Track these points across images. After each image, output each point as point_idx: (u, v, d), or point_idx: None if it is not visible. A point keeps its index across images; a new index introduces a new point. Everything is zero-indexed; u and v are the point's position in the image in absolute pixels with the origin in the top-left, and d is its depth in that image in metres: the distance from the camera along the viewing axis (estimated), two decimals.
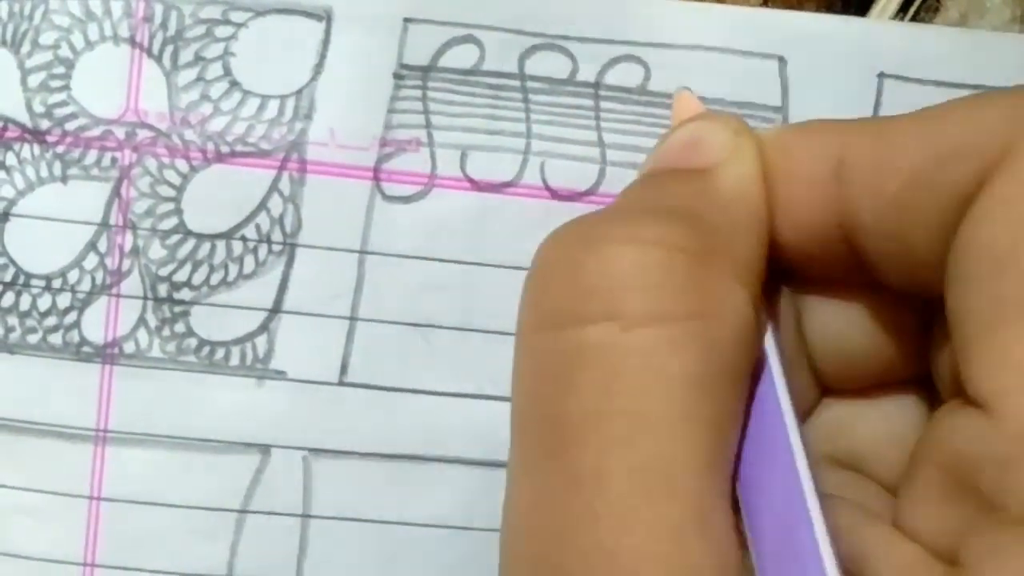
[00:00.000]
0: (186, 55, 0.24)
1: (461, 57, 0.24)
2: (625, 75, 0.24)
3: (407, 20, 0.24)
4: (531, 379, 0.16)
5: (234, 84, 0.24)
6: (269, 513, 0.25)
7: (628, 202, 0.17)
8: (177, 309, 0.24)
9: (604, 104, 0.24)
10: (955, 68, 0.24)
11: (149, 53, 0.24)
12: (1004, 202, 0.14)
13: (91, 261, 0.24)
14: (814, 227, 0.17)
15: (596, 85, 0.24)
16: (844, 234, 0.17)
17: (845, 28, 0.24)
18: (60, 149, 0.24)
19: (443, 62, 0.24)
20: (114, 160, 0.24)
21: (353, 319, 0.24)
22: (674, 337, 0.15)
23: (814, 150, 0.17)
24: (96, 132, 0.24)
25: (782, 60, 0.24)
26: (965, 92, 0.24)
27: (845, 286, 0.18)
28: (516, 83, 0.24)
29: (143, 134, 0.24)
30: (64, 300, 0.24)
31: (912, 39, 0.24)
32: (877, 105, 0.24)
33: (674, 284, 0.15)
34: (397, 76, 0.24)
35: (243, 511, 0.25)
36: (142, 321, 0.24)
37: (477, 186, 0.24)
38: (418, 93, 0.24)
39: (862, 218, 0.16)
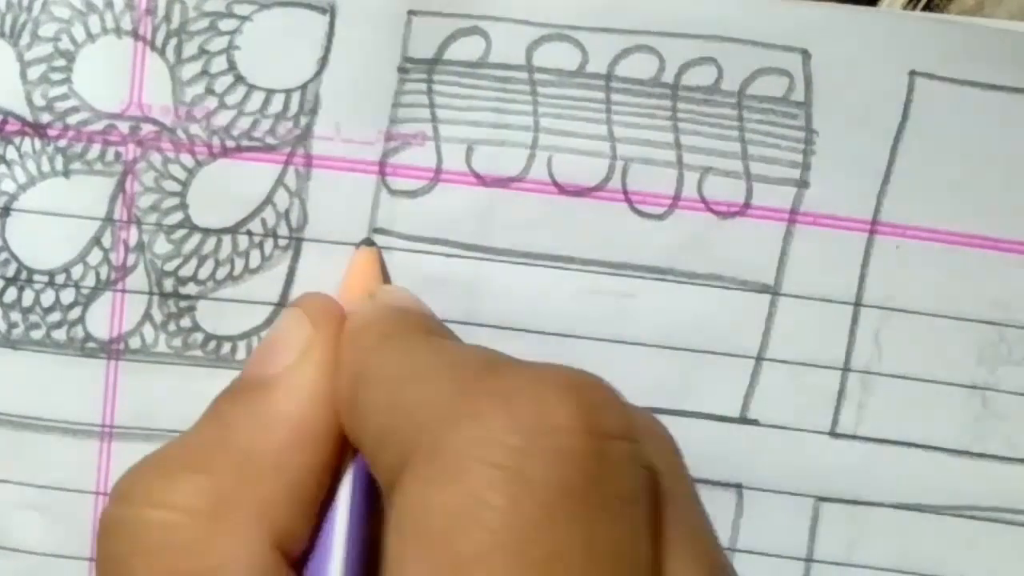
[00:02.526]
0: (190, 48, 0.23)
1: (467, 49, 0.24)
2: (638, 66, 0.24)
3: (411, 12, 0.23)
4: None
5: (239, 78, 0.23)
6: None
7: (185, 443, 0.18)
8: (183, 304, 0.24)
9: (615, 96, 0.24)
10: (994, 69, 0.24)
11: (152, 46, 0.23)
12: (398, 511, 0.14)
13: (95, 256, 0.24)
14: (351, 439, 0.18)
15: (607, 77, 0.24)
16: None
17: (874, 21, 0.24)
18: (62, 143, 0.23)
19: (448, 55, 0.24)
20: (118, 155, 0.24)
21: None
22: None
23: (346, 365, 0.18)
24: (99, 126, 0.23)
25: (806, 53, 0.24)
26: (1003, 95, 0.24)
27: None
28: (523, 75, 0.24)
29: (147, 128, 0.24)
30: (68, 295, 0.24)
31: (948, 35, 0.24)
32: (908, 104, 0.24)
33: (182, 547, 0.16)
34: (402, 70, 0.24)
35: None
36: (147, 316, 0.24)
37: (483, 181, 0.24)
38: (423, 87, 0.24)
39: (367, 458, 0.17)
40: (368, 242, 0.24)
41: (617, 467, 0.14)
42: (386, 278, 0.24)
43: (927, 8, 0.25)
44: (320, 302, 0.20)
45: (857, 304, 0.25)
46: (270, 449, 0.17)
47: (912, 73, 0.24)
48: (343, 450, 0.18)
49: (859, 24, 0.24)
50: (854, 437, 0.25)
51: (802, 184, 0.24)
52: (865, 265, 0.24)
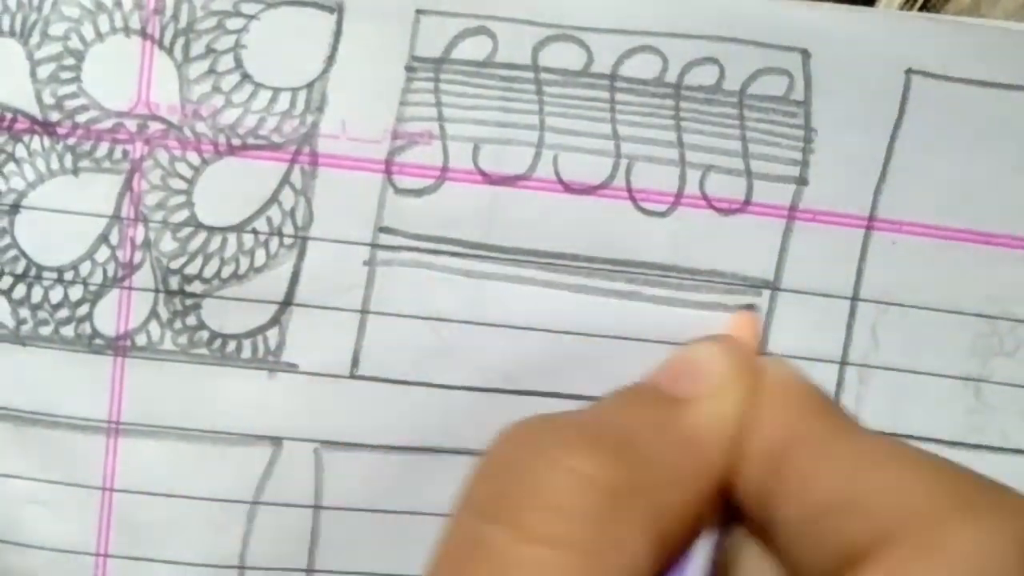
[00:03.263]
0: (197, 47, 0.23)
1: (474, 49, 0.24)
2: (642, 66, 0.24)
3: (419, 11, 0.24)
4: (440, 548, 0.17)
5: (245, 76, 0.24)
6: (281, 505, 0.25)
7: (592, 415, 0.18)
8: (188, 302, 0.24)
9: (620, 96, 0.24)
10: (988, 66, 0.24)
11: (160, 45, 0.23)
12: None
13: (103, 254, 0.24)
14: (753, 493, 0.18)
15: (612, 77, 0.24)
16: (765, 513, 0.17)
17: (872, 21, 0.24)
18: (71, 141, 0.24)
19: (455, 54, 0.24)
20: (125, 153, 0.24)
21: (364, 312, 0.24)
22: (558, 564, 0.15)
23: (774, 425, 0.18)
24: (107, 124, 0.24)
25: (806, 53, 0.24)
26: (998, 92, 0.24)
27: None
28: (529, 75, 0.24)
29: (155, 127, 0.24)
30: (76, 292, 0.24)
31: (943, 34, 0.24)
32: (904, 102, 0.24)
33: (582, 515, 0.16)
34: (409, 68, 0.24)
35: (255, 502, 0.25)
36: (154, 314, 0.24)
37: (489, 179, 0.24)
38: (430, 85, 0.24)
39: (775, 516, 0.17)
40: (749, 306, 0.24)
41: None
42: (761, 346, 0.24)
43: (924, 8, 0.26)
44: (744, 350, 0.20)
45: (854, 298, 0.25)
46: (672, 465, 0.17)
47: (908, 71, 0.24)
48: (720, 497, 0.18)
49: (857, 24, 0.24)
50: None
51: (801, 181, 0.25)
52: (862, 260, 0.25)
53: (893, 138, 0.24)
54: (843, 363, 0.25)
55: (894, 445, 0.17)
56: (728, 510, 0.18)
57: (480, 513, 0.16)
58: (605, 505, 0.16)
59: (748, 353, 0.20)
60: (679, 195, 0.25)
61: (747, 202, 0.25)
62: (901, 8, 0.26)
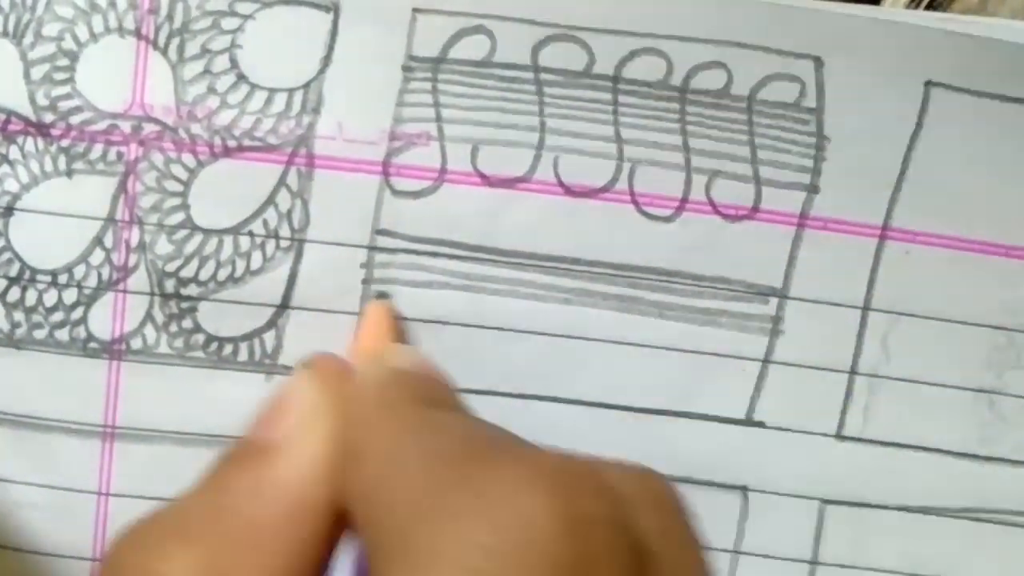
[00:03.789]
0: (192, 47, 0.23)
1: (472, 48, 0.23)
2: (645, 68, 0.23)
3: (416, 10, 0.23)
4: None
5: (241, 77, 0.23)
6: None
7: (190, 498, 0.17)
8: (184, 305, 0.24)
9: (623, 98, 0.24)
10: (1008, 80, 0.23)
11: (155, 45, 0.23)
12: None
13: (97, 256, 0.24)
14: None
15: (614, 78, 0.23)
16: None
17: (888, 31, 0.23)
18: (65, 143, 0.23)
19: (453, 54, 0.23)
20: (120, 154, 0.23)
21: (361, 315, 0.24)
22: None
23: (341, 434, 0.17)
24: (101, 126, 0.23)
25: (818, 61, 0.23)
26: (1017, 106, 0.24)
27: None
28: (529, 75, 0.23)
29: (149, 128, 0.23)
30: (70, 296, 0.24)
31: (963, 46, 0.23)
32: (922, 114, 0.24)
33: None
34: (406, 68, 0.23)
35: None
36: (149, 317, 0.24)
37: (488, 181, 0.24)
38: (428, 86, 0.23)
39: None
40: (382, 295, 0.24)
41: (599, 556, 0.14)
42: (400, 334, 0.24)
43: (930, 7, 0.25)
44: (328, 364, 0.19)
45: (865, 308, 0.24)
46: (269, 520, 0.16)
47: (928, 83, 0.24)
48: (343, 522, 0.17)
49: (874, 34, 0.23)
50: (860, 440, 0.25)
51: (812, 189, 0.24)
52: (874, 270, 0.24)
53: (910, 149, 0.24)
54: (852, 373, 0.25)
55: (419, 440, 0.16)
56: None
57: None
58: None
59: (337, 370, 0.19)
60: (684, 200, 0.24)
61: (755, 208, 0.24)
62: (907, 7, 0.25)
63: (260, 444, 0.18)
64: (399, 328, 0.24)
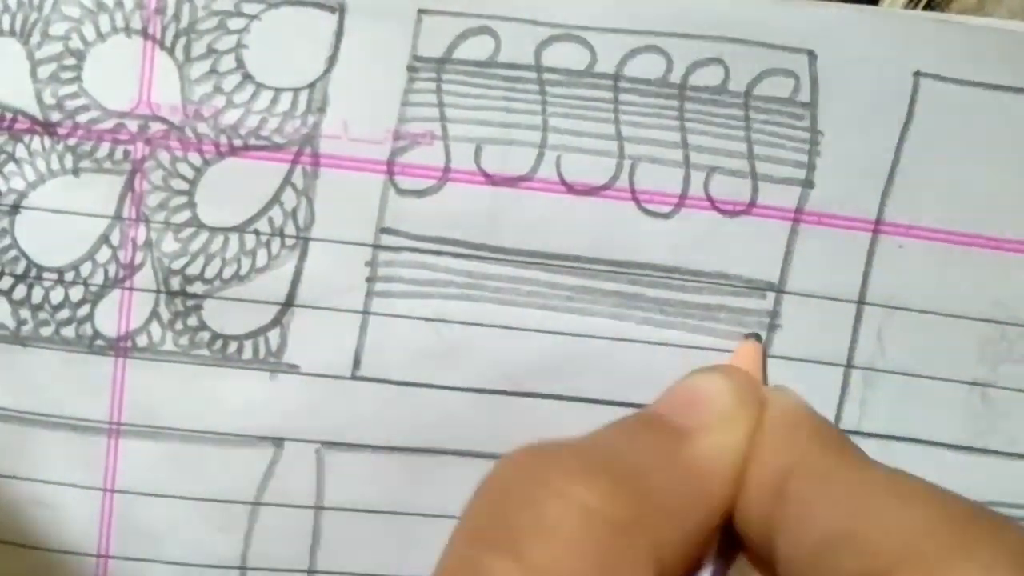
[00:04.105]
0: (199, 47, 0.23)
1: (476, 49, 0.24)
2: (646, 66, 0.24)
3: (421, 11, 0.23)
4: (438, 573, 0.17)
5: (247, 77, 0.24)
6: (282, 505, 0.25)
7: (595, 443, 0.18)
8: (190, 303, 0.24)
9: (624, 96, 0.24)
10: (997, 70, 0.24)
11: (162, 45, 0.23)
12: None
13: (104, 254, 0.24)
14: (755, 523, 0.18)
15: (616, 77, 0.24)
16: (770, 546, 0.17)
17: (880, 22, 0.24)
18: (71, 142, 0.23)
19: (457, 54, 0.24)
20: (127, 153, 0.24)
21: (366, 313, 0.24)
22: None
23: (776, 455, 0.18)
24: (108, 125, 0.23)
25: (812, 54, 0.24)
26: (1007, 96, 0.24)
27: None
28: (532, 75, 0.24)
29: (156, 127, 0.24)
30: (77, 293, 0.24)
31: (952, 36, 0.24)
32: (912, 105, 0.24)
33: (583, 547, 0.15)
34: (411, 68, 0.24)
35: (256, 503, 0.25)
36: (155, 314, 0.24)
37: (492, 180, 0.24)
38: (432, 86, 0.24)
39: (775, 547, 0.17)
40: (755, 337, 0.24)
41: None
42: (766, 376, 0.24)
43: (928, 7, 0.26)
44: (749, 381, 0.20)
45: (860, 302, 0.25)
46: (675, 496, 0.17)
47: (917, 74, 0.24)
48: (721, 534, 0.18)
49: (865, 25, 0.24)
50: (856, 433, 0.25)
51: (807, 184, 0.24)
52: (869, 264, 0.25)
53: (901, 141, 0.24)
54: (848, 366, 0.25)
55: (896, 477, 0.17)
56: (730, 538, 0.18)
57: (479, 540, 0.16)
58: (607, 538, 0.16)
59: (752, 384, 0.20)
60: (683, 196, 0.24)
61: (752, 204, 0.24)
62: (905, 7, 0.25)
63: (671, 424, 0.18)
64: (766, 370, 0.24)
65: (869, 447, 0.25)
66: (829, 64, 0.24)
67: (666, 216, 0.24)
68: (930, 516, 0.15)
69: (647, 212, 0.24)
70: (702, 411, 0.18)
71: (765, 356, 0.24)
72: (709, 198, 0.24)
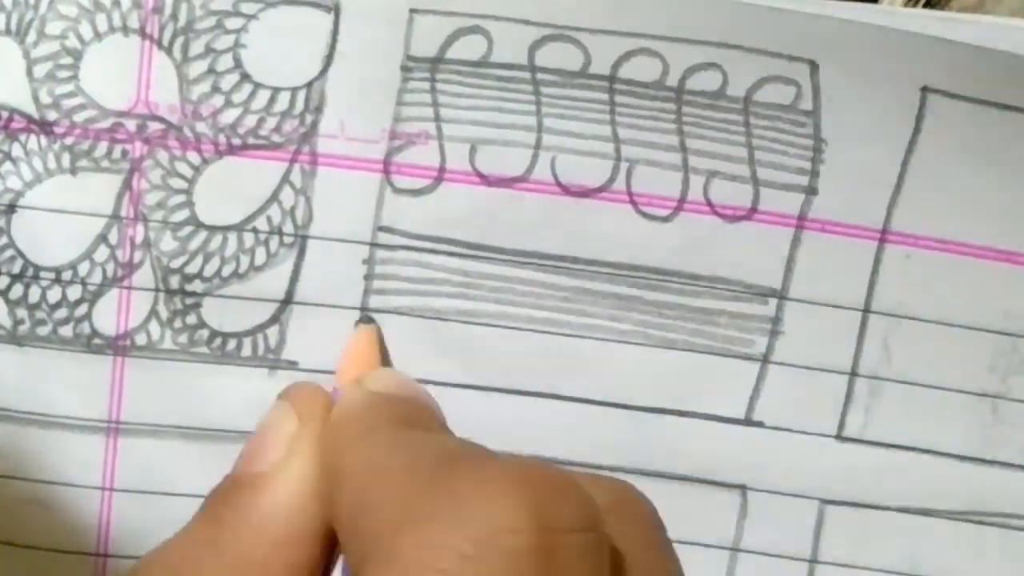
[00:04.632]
0: (197, 47, 0.23)
1: (469, 48, 0.23)
2: (641, 69, 0.23)
3: (413, 11, 0.23)
4: None
5: (245, 76, 0.23)
6: None
7: (180, 544, 0.18)
8: (189, 301, 0.24)
9: (619, 99, 0.24)
10: (1006, 88, 0.23)
11: (159, 45, 0.23)
12: None
13: (102, 253, 0.24)
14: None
15: (611, 78, 0.23)
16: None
17: (885, 36, 0.23)
18: (69, 141, 0.24)
19: (451, 54, 0.23)
20: (124, 152, 0.24)
21: (364, 310, 0.24)
22: None
23: (324, 459, 0.18)
24: (106, 124, 0.24)
25: (813, 64, 0.23)
26: (1015, 114, 0.23)
27: None
28: (526, 75, 0.23)
29: (154, 126, 0.24)
30: (75, 292, 0.24)
31: (959, 54, 0.23)
32: (920, 119, 0.24)
33: None
34: (405, 68, 0.23)
35: None
36: (154, 313, 0.24)
37: (487, 180, 0.24)
38: (426, 85, 0.23)
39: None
40: (366, 319, 0.24)
41: (572, 562, 0.14)
42: (386, 358, 0.24)
43: (927, 6, 0.25)
44: (307, 393, 0.20)
45: (866, 310, 0.24)
46: (261, 550, 0.17)
47: (924, 89, 0.23)
48: (333, 545, 0.18)
49: (869, 39, 0.23)
50: (860, 441, 0.25)
51: (810, 191, 0.24)
52: (874, 273, 0.24)
53: (909, 153, 0.24)
54: (853, 374, 0.25)
55: (417, 449, 0.16)
56: None
57: None
58: None
59: (316, 398, 0.19)
60: (682, 200, 0.24)
61: (753, 209, 0.24)
62: (904, 5, 0.25)
63: (247, 478, 0.18)
64: (384, 352, 0.24)
65: (874, 456, 0.25)
66: (832, 75, 0.23)
67: (664, 219, 0.24)
68: (401, 491, 0.15)
69: (645, 215, 0.24)
70: (268, 450, 0.18)
71: (381, 339, 0.24)
72: (709, 202, 0.24)
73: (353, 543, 0.15)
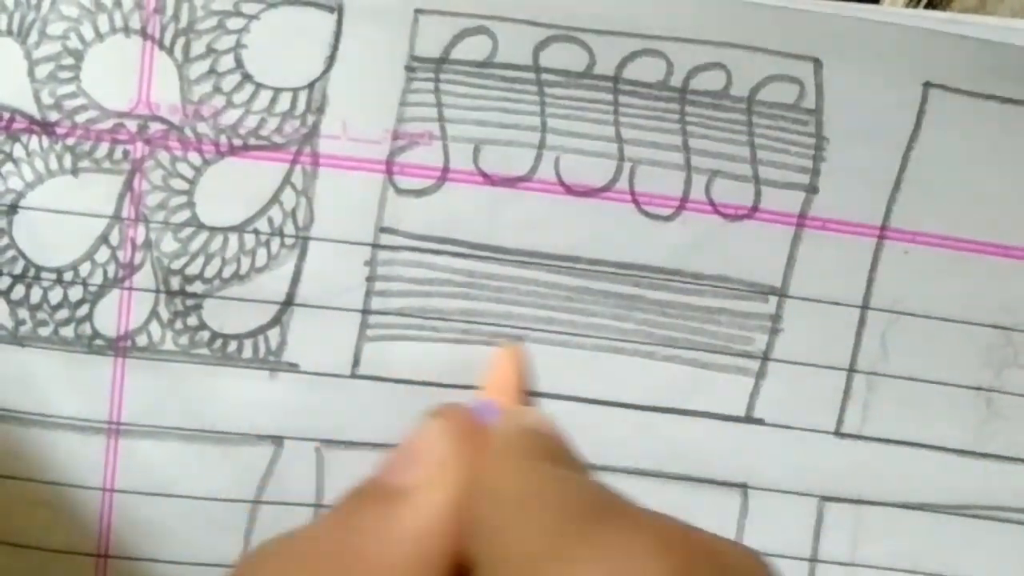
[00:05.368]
0: (198, 47, 0.23)
1: (473, 49, 0.23)
2: (645, 69, 0.24)
3: (418, 11, 0.23)
4: None
5: (246, 77, 0.23)
6: (282, 504, 0.25)
7: (313, 532, 0.18)
8: (189, 302, 0.24)
9: (623, 99, 0.24)
10: (1007, 83, 0.23)
11: (161, 45, 0.23)
12: None
13: (103, 254, 0.24)
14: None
15: (615, 79, 0.24)
16: None
17: (888, 33, 0.24)
18: (70, 141, 0.23)
19: (455, 54, 0.23)
20: (126, 153, 0.24)
21: (365, 312, 0.24)
22: None
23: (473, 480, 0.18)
24: (107, 125, 0.23)
25: (817, 62, 0.24)
26: (1016, 108, 0.24)
27: None
28: (531, 75, 0.24)
29: (155, 127, 0.24)
30: (76, 293, 0.24)
31: (962, 48, 0.23)
32: (921, 115, 0.24)
33: None
34: (409, 68, 0.24)
35: (256, 502, 0.25)
36: (154, 314, 0.24)
37: (490, 180, 0.24)
38: (430, 86, 0.24)
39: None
40: (514, 338, 0.24)
41: None
42: (530, 378, 0.24)
43: (929, 6, 0.25)
44: (460, 417, 0.19)
45: (864, 307, 0.25)
46: (395, 563, 0.17)
47: (926, 84, 0.24)
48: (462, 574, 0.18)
49: (872, 35, 0.23)
50: (859, 437, 0.25)
51: (811, 189, 0.24)
52: (873, 269, 0.24)
53: (908, 149, 0.24)
54: (851, 370, 0.25)
55: (565, 489, 0.17)
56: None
57: None
58: None
59: (464, 422, 0.19)
60: (684, 199, 0.24)
61: (755, 208, 0.24)
62: (906, 6, 0.25)
63: (389, 488, 0.18)
64: (528, 373, 0.24)
65: (872, 452, 0.25)
66: (835, 72, 0.24)
67: (667, 219, 0.24)
68: (546, 527, 0.15)
69: (648, 215, 0.24)
70: (415, 465, 0.18)
71: (522, 360, 0.24)
72: (711, 201, 0.24)
73: (491, 565, 0.16)
